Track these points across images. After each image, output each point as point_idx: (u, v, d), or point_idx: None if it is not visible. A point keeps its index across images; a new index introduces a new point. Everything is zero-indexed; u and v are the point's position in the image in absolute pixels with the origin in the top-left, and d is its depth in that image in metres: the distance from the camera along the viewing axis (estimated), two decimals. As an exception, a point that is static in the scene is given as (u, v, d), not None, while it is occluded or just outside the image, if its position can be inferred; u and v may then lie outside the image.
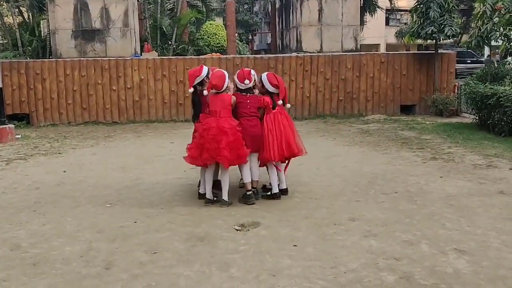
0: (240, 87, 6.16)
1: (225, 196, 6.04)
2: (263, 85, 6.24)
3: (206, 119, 6.02)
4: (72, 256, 4.54)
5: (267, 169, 6.34)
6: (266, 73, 6.42)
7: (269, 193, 6.36)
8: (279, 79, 6.33)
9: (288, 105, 6.45)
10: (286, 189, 6.40)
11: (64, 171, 8.02)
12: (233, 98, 6.08)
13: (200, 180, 6.42)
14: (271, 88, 6.22)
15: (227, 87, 6.06)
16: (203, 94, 6.09)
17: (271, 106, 6.19)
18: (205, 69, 6.28)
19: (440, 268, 4.13)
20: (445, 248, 4.53)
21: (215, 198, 6.13)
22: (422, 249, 4.54)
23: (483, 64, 22.70)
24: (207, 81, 6.20)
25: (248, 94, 6.19)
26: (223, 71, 6.19)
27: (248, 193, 6.12)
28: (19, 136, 11.56)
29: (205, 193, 6.16)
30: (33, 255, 4.58)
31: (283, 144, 6.13)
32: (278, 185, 6.32)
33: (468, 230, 5.01)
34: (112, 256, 4.52)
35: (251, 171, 6.19)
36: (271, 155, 6.08)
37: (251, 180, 6.18)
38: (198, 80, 6.24)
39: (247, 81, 6.08)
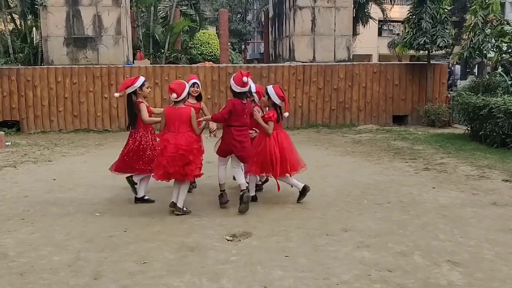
0: (236, 90, 5.89)
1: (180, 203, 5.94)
2: (269, 98, 6.15)
3: (165, 134, 5.88)
4: (60, 265, 4.46)
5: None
6: (270, 85, 6.34)
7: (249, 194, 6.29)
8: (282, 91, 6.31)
9: (286, 114, 6.34)
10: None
11: (54, 179, 7.94)
12: (193, 110, 5.88)
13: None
14: (278, 101, 6.15)
15: (184, 97, 5.87)
16: (135, 103, 6.19)
17: (275, 120, 6.11)
18: (140, 80, 6.28)
19: (433, 280, 4.09)
20: (438, 260, 4.49)
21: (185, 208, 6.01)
22: (415, 260, 4.50)
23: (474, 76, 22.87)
24: (140, 92, 6.26)
25: (245, 100, 5.96)
26: (185, 82, 6.02)
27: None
28: (9, 143, 11.45)
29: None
30: (20, 265, 4.49)
31: (287, 162, 6.16)
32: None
33: (461, 242, 4.98)
34: (101, 266, 4.45)
35: (238, 176, 6.12)
36: (276, 173, 6.15)
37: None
38: (130, 90, 6.25)
39: (245, 79, 5.78)
